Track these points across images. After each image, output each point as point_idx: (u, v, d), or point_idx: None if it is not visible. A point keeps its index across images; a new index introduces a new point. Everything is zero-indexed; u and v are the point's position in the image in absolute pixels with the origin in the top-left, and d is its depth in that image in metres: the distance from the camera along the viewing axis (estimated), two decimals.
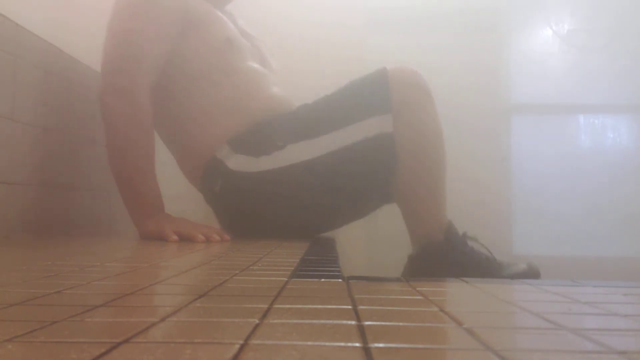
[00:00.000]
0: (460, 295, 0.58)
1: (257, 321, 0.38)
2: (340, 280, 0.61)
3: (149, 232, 1.16)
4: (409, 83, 1.26)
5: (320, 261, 0.83)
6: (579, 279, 0.67)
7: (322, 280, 0.61)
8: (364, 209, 1.36)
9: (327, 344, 0.32)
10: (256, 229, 1.30)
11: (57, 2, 1.37)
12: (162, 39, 1.23)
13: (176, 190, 2.22)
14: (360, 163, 1.21)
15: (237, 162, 1.27)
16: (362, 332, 0.35)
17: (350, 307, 0.45)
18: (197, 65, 1.30)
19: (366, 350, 0.31)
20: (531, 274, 1.24)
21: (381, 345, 0.32)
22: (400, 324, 0.40)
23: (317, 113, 1.28)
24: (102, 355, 0.28)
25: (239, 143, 1.28)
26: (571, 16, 2.89)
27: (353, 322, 0.38)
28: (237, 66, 1.33)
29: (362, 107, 1.23)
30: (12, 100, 1.14)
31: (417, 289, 0.57)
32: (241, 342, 0.32)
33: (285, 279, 0.59)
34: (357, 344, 0.32)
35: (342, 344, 0.33)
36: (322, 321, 0.39)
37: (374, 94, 1.23)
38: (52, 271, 0.63)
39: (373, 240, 2.55)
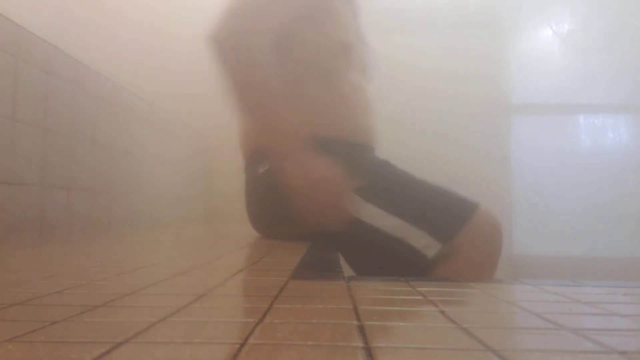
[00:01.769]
0: (460, 295, 0.58)
1: (257, 321, 0.38)
2: (340, 280, 0.61)
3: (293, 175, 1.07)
4: (485, 238, 1.13)
5: (320, 261, 0.83)
6: (579, 279, 0.67)
7: (322, 280, 0.61)
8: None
9: (327, 344, 0.32)
10: (275, 227, 1.26)
11: (57, 2, 1.37)
12: (287, 14, 1.15)
13: (176, 191, 2.23)
14: (389, 255, 1.13)
15: None
16: (362, 332, 0.35)
17: (350, 307, 0.45)
18: (307, 57, 1.21)
19: (367, 350, 0.31)
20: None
21: (381, 345, 0.32)
22: (400, 324, 0.40)
23: (393, 190, 1.17)
24: (102, 355, 0.28)
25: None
26: (571, 16, 2.89)
27: (353, 322, 0.38)
28: (341, 74, 1.25)
29: (431, 219, 1.12)
30: (12, 101, 1.14)
31: (417, 289, 0.57)
32: (241, 342, 0.32)
33: (285, 279, 0.59)
34: (358, 344, 0.32)
35: (342, 344, 0.33)
36: (322, 321, 0.39)
37: (450, 220, 1.12)
38: (52, 271, 0.63)
39: None
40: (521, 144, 2.85)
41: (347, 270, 1.15)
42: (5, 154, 1.12)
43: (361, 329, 0.36)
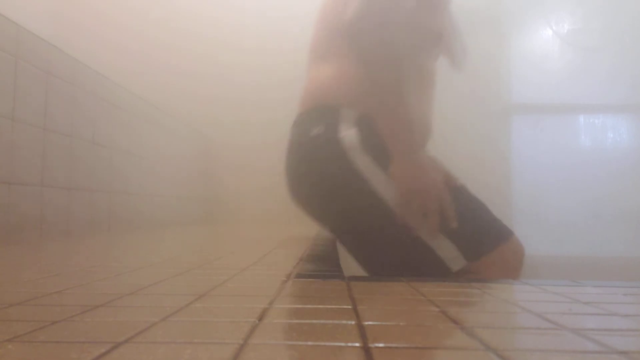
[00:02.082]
0: (460, 295, 0.58)
1: (257, 321, 0.38)
2: (340, 280, 0.61)
3: (406, 177, 1.04)
4: (508, 266, 1.14)
5: (320, 261, 0.83)
6: (579, 279, 0.67)
7: (322, 280, 0.61)
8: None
9: (327, 344, 0.32)
10: (312, 197, 1.18)
11: (57, 2, 1.37)
12: (409, 2, 1.11)
13: (177, 191, 2.23)
14: (413, 259, 1.09)
15: (350, 136, 1.11)
16: (362, 332, 0.35)
17: (350, 307, 0.45)
18: (397, 36, 1.12)
19: (366, 350, 0.31)
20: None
21: (381, 345, 0.32)
22: (401, 324, 0.40)
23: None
24: (102, 355, 0.28)
25: (371, 134, 1.10)
26: (571, 16, 2.89)
27: (353, 322, 0.38)
28: (425, 62, 1.20)
29: (466, 235, 1.10)
30: (12, 100, 1.14)
31: (417, 289, 0.57)
32: (241, 342, 0.32)
33: (285, 279, 0.59)
34: (357, 344, 0.32)
35: (342, 344, 0.33)
36: (322, 321, 0.39)
37: (484, 241, 1.11)
38: (53, 271, 0.63)
39: None
40: (521, 144, 2.85)
41: (348, 270, 1.15)
42: (5, 154, 1.12)
43: (361, 329, 0.36)
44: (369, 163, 1.10)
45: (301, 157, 1.19)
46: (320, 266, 0.76)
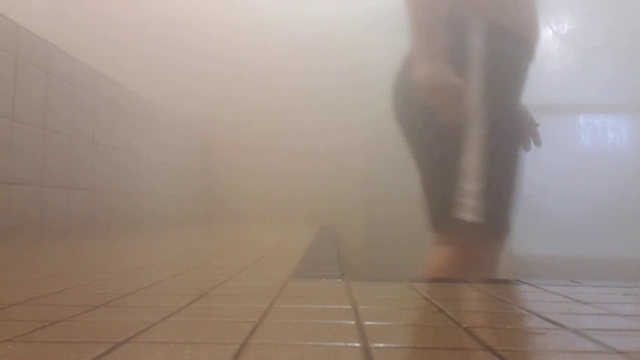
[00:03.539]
0: (460, 295, 0.58)
1: (257, 321, 0.38)
2: (340, 280, 0.61)
3: (420, 76, 1.03)
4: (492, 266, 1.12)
5: (320, 261, 0.83)
6: (579, 279, 0.67)
7: (322, 280, 0.61)
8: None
9: (327, 344, 0.32)
10: (413, 118, 1.13)
11: (57, 2, 1.37)
12: None
13: (176, 190, 2.23)
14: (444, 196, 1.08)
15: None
16: (362, 332, 0.35)
17: (350, 307, 0.45)
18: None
19: (366, 350, 0.31)
20: None
21: (381, 345, 0.32)
22: (400, 324, 0.40)
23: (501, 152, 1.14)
24: (102, 355, 0.28)
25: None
26: (571, 16, 2.89)
27: (353, 322, 0.38)
28: None
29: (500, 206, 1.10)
30: (12, 100, 1.14)
31: (417, 289, 0.57)
32: (241, 342, 0.32)
33: (285, 279, 0.59)
34: (357, 344, 0.32)
35: (342, 344, 0.33)
36: (322, 321, 0.39)
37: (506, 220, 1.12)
38: (53, 271, 0.63)
39: (373, 240, 2.56)
40: None
41: (348, 270, 1.16)
42: (5, 154, 1.12)
43: (360, 329, 0.36)
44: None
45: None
46: (320, 266, 0.76)
